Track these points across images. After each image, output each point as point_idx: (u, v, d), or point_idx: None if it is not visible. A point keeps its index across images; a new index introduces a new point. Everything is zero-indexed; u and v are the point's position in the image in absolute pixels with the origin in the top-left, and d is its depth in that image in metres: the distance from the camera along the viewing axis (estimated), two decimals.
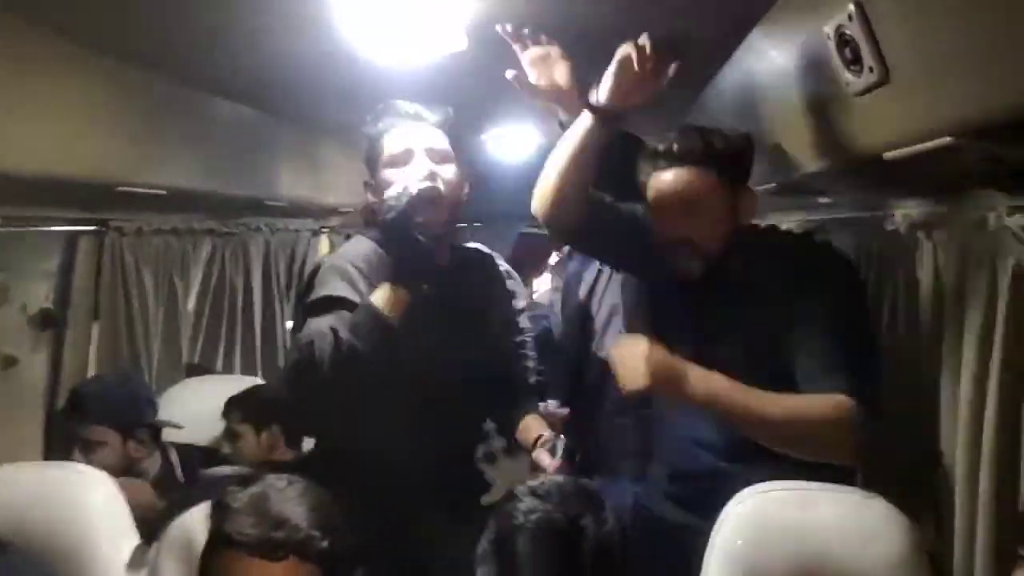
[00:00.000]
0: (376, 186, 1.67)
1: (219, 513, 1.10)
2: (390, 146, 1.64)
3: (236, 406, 2.23)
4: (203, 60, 1.94)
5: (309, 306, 1.54)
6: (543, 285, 4.35)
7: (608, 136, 1.57)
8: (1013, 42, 0.90)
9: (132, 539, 1.71)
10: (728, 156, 1.57)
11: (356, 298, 1.54)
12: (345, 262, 1.62)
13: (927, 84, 1.08)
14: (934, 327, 1.54)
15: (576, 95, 1.65)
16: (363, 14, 1.60)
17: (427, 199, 1.51)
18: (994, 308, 1.31)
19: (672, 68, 1.50)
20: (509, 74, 1.69)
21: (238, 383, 2.78)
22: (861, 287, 1.61)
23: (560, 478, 1.29)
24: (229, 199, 2.77)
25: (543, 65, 1.69)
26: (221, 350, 3.02)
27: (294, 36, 1.78)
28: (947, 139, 1.06)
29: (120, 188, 2.09)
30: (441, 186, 1.57)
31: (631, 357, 1.42)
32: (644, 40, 1.45)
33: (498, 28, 1.66)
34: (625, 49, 1.46)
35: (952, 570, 1.48)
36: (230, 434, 2.21)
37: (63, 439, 2.01)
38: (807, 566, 1.51)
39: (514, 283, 2.10)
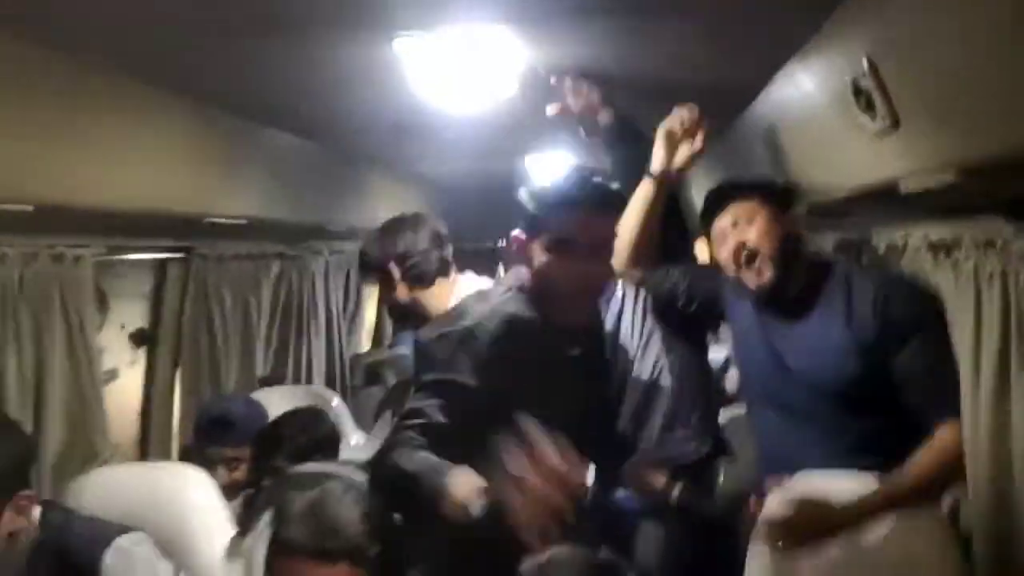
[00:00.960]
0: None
1: (278, 518, 1.17)
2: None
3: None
4: (279, 102, 2.15)
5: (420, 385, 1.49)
6: None
7: (665, 197, 1.84)
8: (1004, 96, 1.05)
9: (229, 531, 1.91)
10: (767, 190, 1.77)
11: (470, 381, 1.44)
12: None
13: (932, 131, 1.24)
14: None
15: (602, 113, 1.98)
16: (428, 66, 1.79)
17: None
18: (1008, 321, 1.43)
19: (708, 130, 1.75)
20: (550, 111, 2.00)
21: (302, 393, 2.99)
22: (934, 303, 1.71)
23: (574, 550, 1.15)
24: (295, 225, 3.01)
25: (578, 94, 1.99)
26: (291, 362, 3.24)
27: (364, 84, 1.98)
28: (950, 178, 1.21)
29: (208, 219, 2.33)
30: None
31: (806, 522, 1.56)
32: (684, 113, 1.71)
33: (551, 78, 1.91)
34: (669, 122, 1.73)
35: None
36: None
37: (193, 456, 2.15)
38: (844, 562, 1.61)
39: None
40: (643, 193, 1.84)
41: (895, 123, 1.26)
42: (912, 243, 1.79)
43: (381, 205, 3.77)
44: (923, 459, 1.56)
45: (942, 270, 1.69)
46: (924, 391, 1.60)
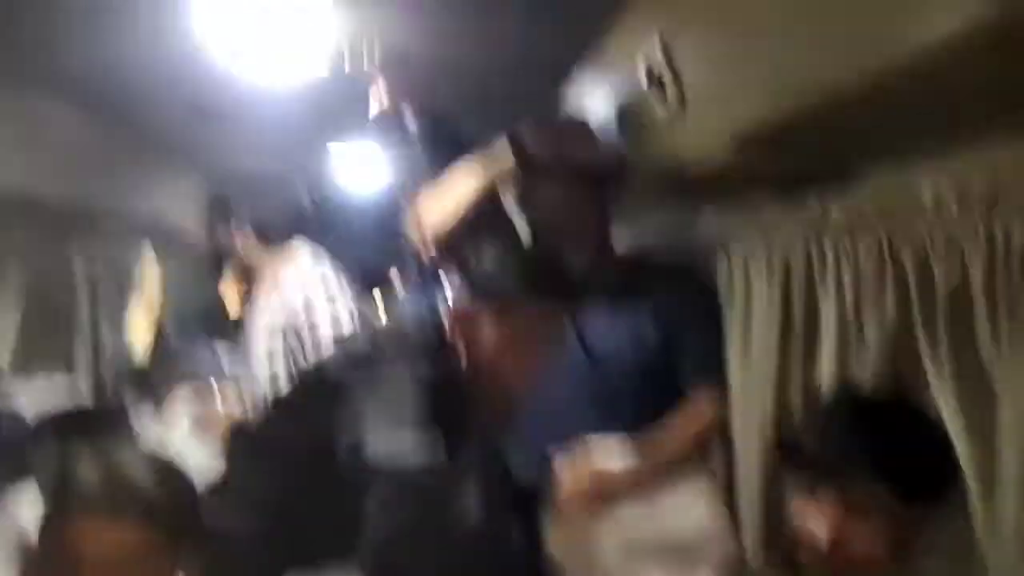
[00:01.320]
0: None
1: (64, 479, 1.11)
2: None
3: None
4: (38, 60, 1.89)
5: None
6: None
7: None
8: (768, 75, 1.17)
9: None
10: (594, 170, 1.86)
11: None
12: None
13: (714, 110, 1.35)
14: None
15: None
16: (227, 27, 1.67)
17: None
18: (788, 315, 1.55)
19: None
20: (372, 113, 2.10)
21: None
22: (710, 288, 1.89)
23: None
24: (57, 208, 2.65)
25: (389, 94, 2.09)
26: None
27: (148, 42, 1.80)
28: (733, 154, 1.33)
29: None
30: None
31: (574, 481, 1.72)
32: None
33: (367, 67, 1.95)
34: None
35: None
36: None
37: None
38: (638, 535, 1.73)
39: None
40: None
41: (682, 104, 1.37)
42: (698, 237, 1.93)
43: (162, 191, 3.46)
44: (679, 421, 1.74)
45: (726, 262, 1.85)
46: (690, 362, 1.78)
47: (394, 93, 2.06)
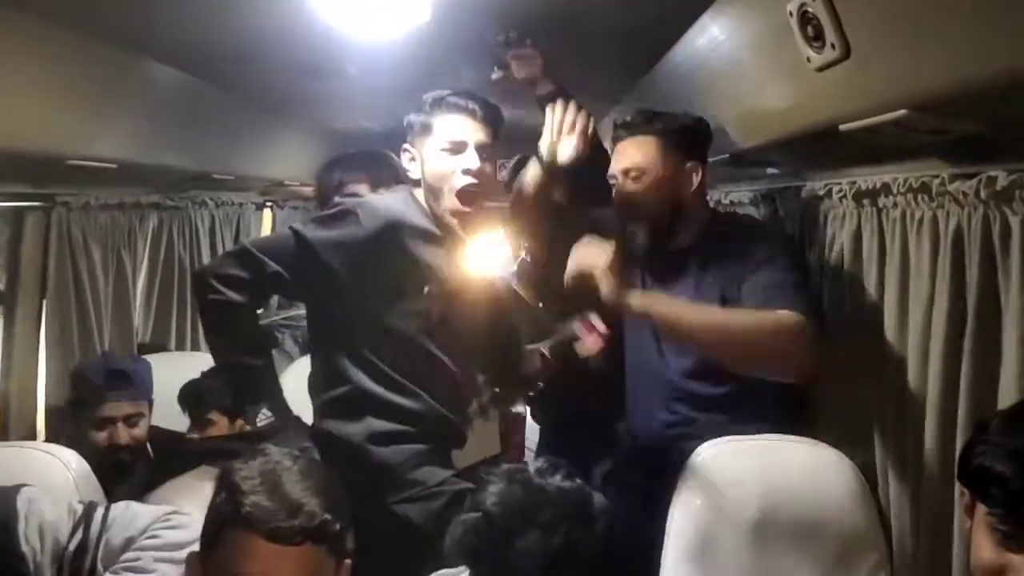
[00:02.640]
0: (419, 159, 1.79)
1: (229, 490, 1.08)
2: (447, 133, 1.75)
3: (205, 396, 2.19)
4: (153, 30, 1.88)
5: None
6: None
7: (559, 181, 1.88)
8: (961, 22, 0.99)
9: None
10: (680, 130, 1.80)
11: None
12: None
13: (885, 60, 1.17)
14: (878, 294, 1.65)
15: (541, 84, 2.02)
16: None
17: (469, 192, 1.72)
18: (935, 268, 1.42)
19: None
20: (494, 77, 2.04)
21: (192, 360, 2.75)
22: (790, 243, 1.85)
23: (544, 466, 1.17)
24: (175, 172, 2.71)
25: (522, 61, 2.01)
26: (173, 326, 2.97)
27: (250, 6, 1.76)
28: (901, 112, 1.16)
29: (70, 162, 2.04)
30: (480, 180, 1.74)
31: (592, 255, 1.64)
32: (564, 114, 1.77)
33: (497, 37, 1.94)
34: (550, 120, 1.78)
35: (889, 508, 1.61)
36: (202, 422, 2.18)
37: (80, 417, 2.11)
38: (763, 510, 1.63)
39: None
40: (532, 174, 1.88)
41: (845, 53, 1.19)
42: (836, 191, 1.77)
43: (275, 152, 3.50)
44: (742, 313, 1.62)
45: (866, 219, 1.68)
46: (768, 297, 1.63)
47: (529, 61, 2.00)
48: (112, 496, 1.75)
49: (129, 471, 2.05)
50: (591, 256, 1.64)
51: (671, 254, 1.83)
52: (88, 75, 1.91)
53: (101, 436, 2.05)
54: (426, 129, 1.76)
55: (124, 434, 2.06)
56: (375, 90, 2.62)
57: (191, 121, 2.52)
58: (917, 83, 1.13)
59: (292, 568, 1.05)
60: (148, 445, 2.14)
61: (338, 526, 1.09)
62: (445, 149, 1.73)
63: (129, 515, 1.40)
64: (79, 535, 1.36)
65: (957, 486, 1.11)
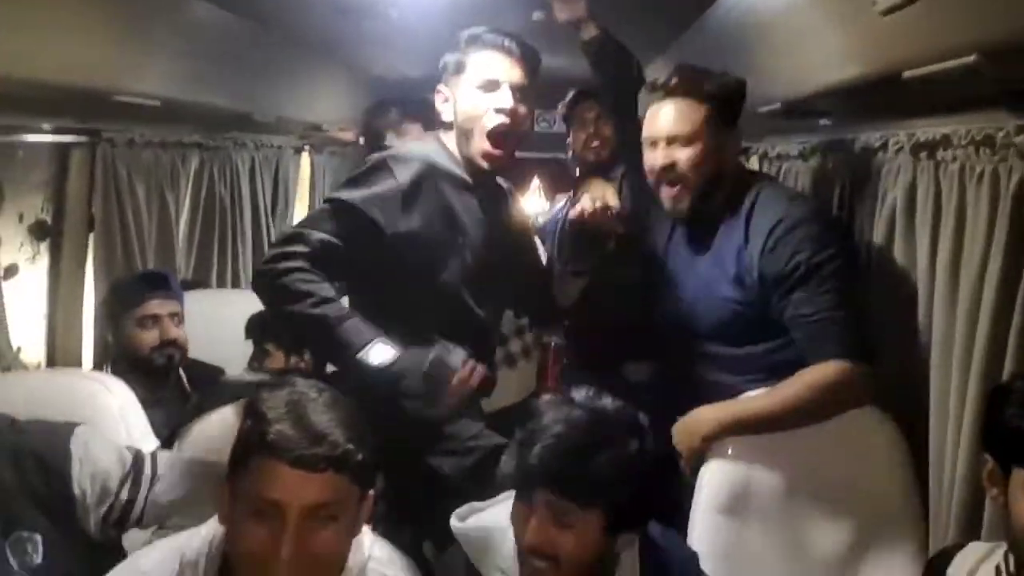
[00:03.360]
0: (452, 99, 1.74)
1: (256, 417, 1.10)
2: (480, 71, 1.70)
3: (265, 328, 2.22)
4: None
5: None
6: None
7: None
8: None
9: (151, 444, 1.75)
10: (722, 93, 1.70)
11: None
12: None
13: (955, 2, 1.11)
14: (930, 251, 1.60)
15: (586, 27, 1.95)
16: None
17: (500, 133, 1.67)
18: (992, 228, 1.37)
19: None
20: (536, 16, 2.07)
21: (233, 297, 2.80)
22: (842, 249, 1.69)
23: (609, 399, 1.26)
24: (217, 112, 2.72)
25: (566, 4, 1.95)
26: (215, 264, 3.01)
27: None
28: (971, 57, 1.10)
29: (115, 97, 2.04)
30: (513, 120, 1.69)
31: (690, 436, 1.66)
32: None
33: None
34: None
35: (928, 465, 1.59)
36: (261, 353, 2.21)
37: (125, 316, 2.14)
38: (798, 469, 1.62)
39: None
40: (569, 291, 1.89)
41: None
42: (893, 144, 1.71)
43: (314, 96, 3.48)
44: (794, 386, 1.58)
45: (922, 172, 1.63)
46: (810, 334, 1.59)
47: (572, 2, 1.94)
48: (151, 422, 1.80)
49: (172, 380, 2.14)
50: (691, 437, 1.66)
51: (700, 223, 1.78)
52: (131, 11, 1.89)
53: (150, 335, 2.09)
54: (460, 68, 1.71)
55: (173, 330, 2.12)
56: (415, 34, 2.57)
57: (232, 60, 2.51)
58: (989, 27, 1.08)
59: (315, 495, 1.07)
60: (185, 376, 2.19)
61: (361, 456, 1.10)
62: (479, 87, 1.68)
63: (175, 475, 1.43)
64: (128, 487, 1.40)
65: None
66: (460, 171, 1.73)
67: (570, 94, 2.54)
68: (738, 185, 1.74)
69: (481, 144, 1.68)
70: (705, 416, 1.65)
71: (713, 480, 1.65)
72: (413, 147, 1.77)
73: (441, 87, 1.76)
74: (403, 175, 1.64)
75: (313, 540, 1.07)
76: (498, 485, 1.34)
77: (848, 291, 1.61)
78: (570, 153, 2.60)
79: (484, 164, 1.71)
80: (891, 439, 1.63)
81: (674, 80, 1.70)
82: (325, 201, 1.71)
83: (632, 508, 1.19)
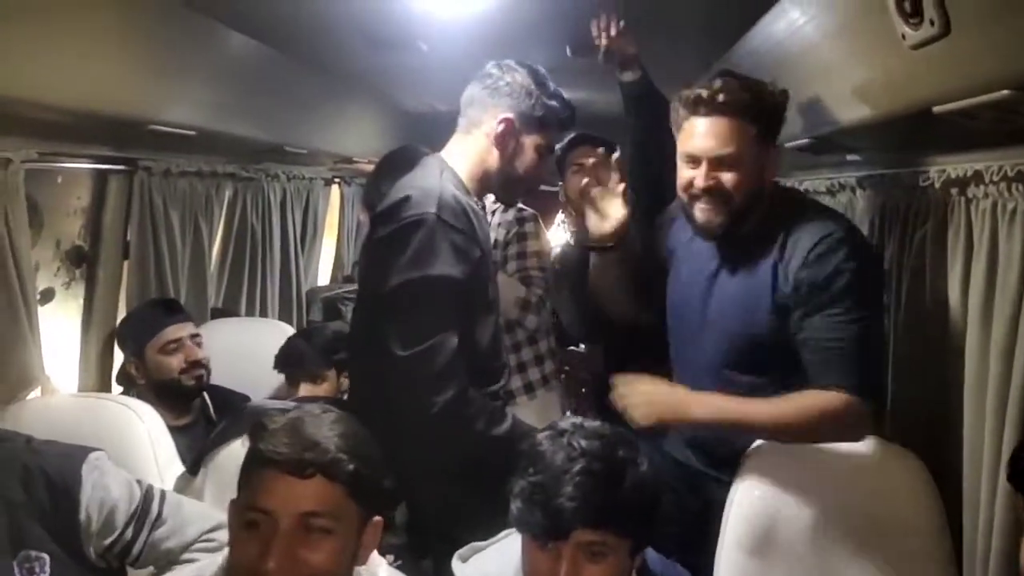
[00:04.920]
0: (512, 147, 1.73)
1: (257, 433, 1.12)
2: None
3: (290, 362, 2.26)
4: None
5: None
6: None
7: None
8: None
9: (176, 469, 1.77)
10: (769, 111, 1.58)
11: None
12: None
13: (987, 37, 1.11)
14: (962, 289, 1.57)
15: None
16: None
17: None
18: None
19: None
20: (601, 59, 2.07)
21: (262, 326, 2.83)
22: (878, 279, 1.66)
23: (597, 422, 1.26)
24: (250, 142, 2.78)
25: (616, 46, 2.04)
26: (244, 294, 3.05)
27: None
28: (1004, 92, 1.09)
29: (152, 126, 2.10)
30: None
31: (637, 396, 1.56)
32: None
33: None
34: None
35: (961, 508, 1.55)
36: (313, 376, 2.23)
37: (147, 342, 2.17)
38: (825, 510, 1.59)
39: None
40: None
41: (945, 29, 1.13)
42: (923, 179, 1.69)
43: (345, 128, 3.54)
44: (793, 403, 1.52)
45: (953, 209, 1.61)
46: (822, 359, 1.53)
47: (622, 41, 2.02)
48: (177, 448, 1.81)
49: (198, 407, 2.17)
50: (639, 398, 1.58)
51: (735, 239, 1.68)
52: (168, 42, 1.95)
53: (176, 359, 2.13)
54: (539, 130, 1.71)
55: (197, 351, 2.16)
56: (445, 69, 2.61)
57: (265, 92, 2.57)
58: (1020, 62, 1.07)
59: (304, 503, 1.06)
60: (211, 403, 2.21)
61: (356, 469, 1.09)
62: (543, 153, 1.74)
63: (179, 520, 1.43)
64: (132, 527, 1.39)
65: None
66: (471, 199, 1.70)
67: (566, 138, 2.43)
68: (775, 202, 1.66)
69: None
70: (687, 400, 1.58)
71: (739, 519, 1.62)
72: (436, 182, 1.64)
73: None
74: (451, 217, 1.58)
75: (304, 553, 1.06)
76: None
77: (874, 325, 1.57)
78: (562, 198, 2.56)
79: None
80: (920, 480, 1.59)
81: (721, 96, 1.54)
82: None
83: (650, 525, 1.20)
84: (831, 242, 1.55)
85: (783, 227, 1.61)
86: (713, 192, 1.59)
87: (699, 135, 1.58)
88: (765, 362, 1.64)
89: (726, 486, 1.65)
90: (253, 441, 1.12)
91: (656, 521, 1.23)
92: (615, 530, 1.15)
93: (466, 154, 1.71)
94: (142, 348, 2.15)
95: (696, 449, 1.78)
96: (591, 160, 2.28)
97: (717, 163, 1.57)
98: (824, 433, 1.55)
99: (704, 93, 1.56)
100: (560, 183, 2.53)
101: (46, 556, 1.33)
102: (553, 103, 1.70)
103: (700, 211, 1.62)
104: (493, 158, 1.70)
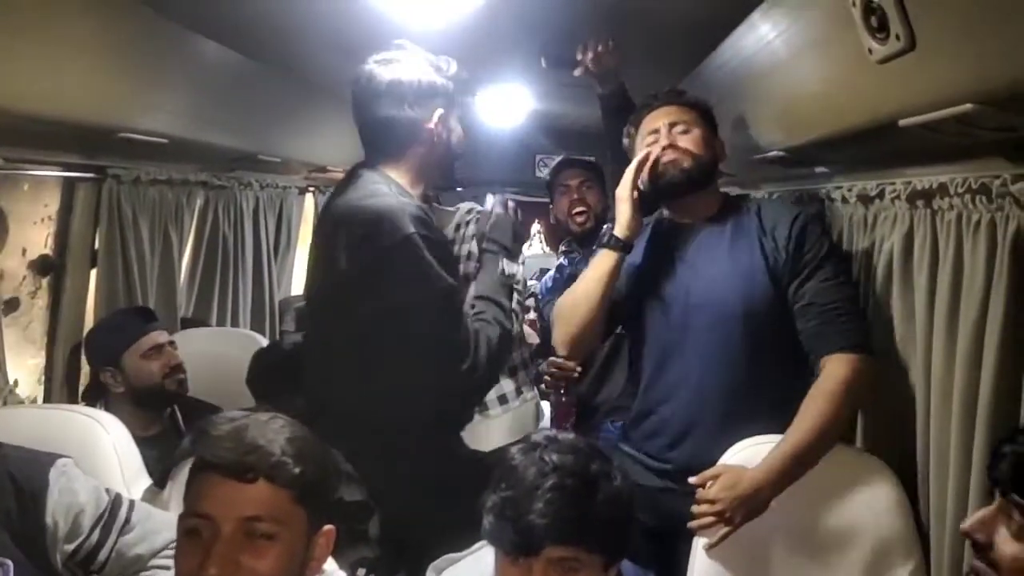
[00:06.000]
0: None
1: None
2: None
3: (259, 379, 2.23)
4: (204, 5, 1.90)
5: None
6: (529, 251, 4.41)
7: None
8: None
9: (144, 482, 1.73)
10: (703, 105, 1.85)
11: None
12: None
13: (951, 52, 1.13)
14: (928, 299, 1.60)
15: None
16: None
17: None
18: (991, 277, 1.37)
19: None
20: (577, 73, 2.15)
21: (232, 336, 2.80)
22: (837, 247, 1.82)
23: (572, 435, 1.26)
24: (222, 151, 2.75)
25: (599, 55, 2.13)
26: (215, 303, 3.02)
27: None
28: (968, 106, 1.12)
29: (121, 134, 2.07)
30: None
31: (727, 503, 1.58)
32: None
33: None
34: (621, 192, 1.77)
35: (929, 515, 1.57)
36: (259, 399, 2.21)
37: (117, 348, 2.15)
38: (796, 518, 1.60)
39: None
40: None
41: (911, 44, 1.15)
42: (889, 192, 1.72)
43: (319, 138, 3.52)
44: (820, 399, 1.59)
45: (919, 221, 1.64)
46: (823, 321, 1.64)
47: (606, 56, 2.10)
48: (146, 460, 1.78)
49: (167, 418, 2.13)
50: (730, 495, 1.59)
51: (697, 225, 1.83)
52: (140, 48, 1.93)
53: (157, 364, 2.13)
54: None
55: (176, 356, 2.17)
56: None
57: (238, 101, 2.55)
58: (984, 76, 1.10)
59: (245, 507, 1.03)
60: (180, 414, 2.18)
61: (301, 472, 1.07)
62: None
63: (149, 527, 1.39)
64: (98, 531, 1.36)
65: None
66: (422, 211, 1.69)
67: (555, 161, 2.70)
68: (731, 199, 1.88)
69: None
70: (751, 477, 1.59)
71: (711, 532, 1.62)
72: (390, 195, 1.63)
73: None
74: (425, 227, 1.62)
75: (247, 560, 1.03)
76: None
77: (854, 288, 1.72)
78: (553, 219, 2.75)
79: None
80: (889, 487, 1.62)
81: (670, 94, 1.86)
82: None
83: (624, 539, 1.20)
84: (807, 217, 1.75)
85: (748, 212, 1.80)
86: (677, 147, 1.78)
87: (656, 116, 1.82)
88: (762, 341, 1.71)
89: (687, 498, 1.65)
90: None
91: (631, 534, 1.22)
92: (587, 546, 1.14)
93: (404, 162, 1.71)
94: (118, 356, 2.11)
95: (667, 462, 1.79)
96: (576, 181, 2.56)
97: (674, 128, 1.79)
98: (852, 405, 1.64)
99: (656, 94, 1.85)
100: (550, 204, 2.71)
101: (10, 563, 1.29)
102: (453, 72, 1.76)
103: (668, 159, 1.76)
104: (435, 150, 1.73)
